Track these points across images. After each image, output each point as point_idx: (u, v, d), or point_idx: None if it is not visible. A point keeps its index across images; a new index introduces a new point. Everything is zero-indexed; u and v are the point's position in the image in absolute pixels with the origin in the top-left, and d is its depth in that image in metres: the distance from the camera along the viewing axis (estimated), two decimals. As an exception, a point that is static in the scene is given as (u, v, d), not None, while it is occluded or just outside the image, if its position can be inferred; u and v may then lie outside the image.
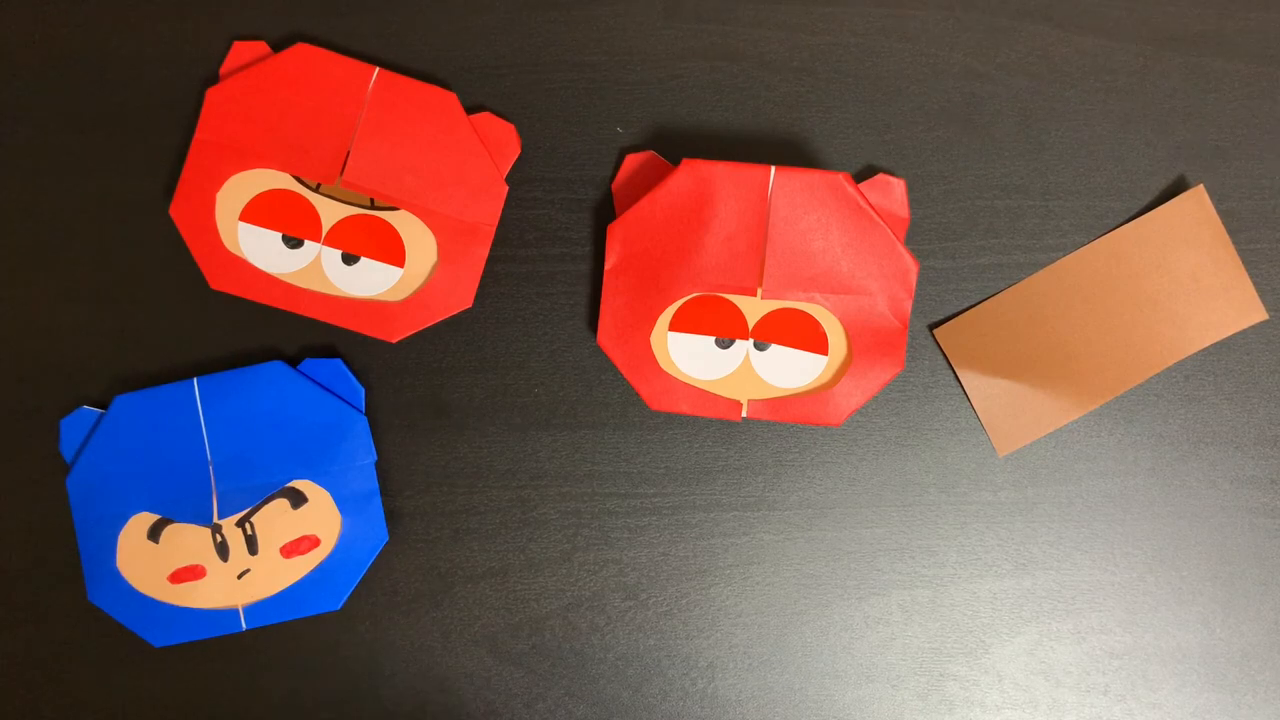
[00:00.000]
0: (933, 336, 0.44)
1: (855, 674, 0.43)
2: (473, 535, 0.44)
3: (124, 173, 0.44)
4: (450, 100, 0.43)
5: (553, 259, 0.44)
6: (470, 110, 0.43)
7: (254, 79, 0.42)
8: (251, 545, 0.42)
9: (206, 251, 0.43)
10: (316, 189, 0.43)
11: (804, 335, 0.42)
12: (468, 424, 0.44)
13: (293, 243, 0.43)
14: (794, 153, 0.44)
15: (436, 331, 0.44)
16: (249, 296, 0.43)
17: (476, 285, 0.43)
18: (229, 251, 0.43)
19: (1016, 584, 0.44)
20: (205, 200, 0.42)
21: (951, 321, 0.44)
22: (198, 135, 0.42)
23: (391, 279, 0.43)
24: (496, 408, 0.44)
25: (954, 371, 0.44)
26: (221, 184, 0.42)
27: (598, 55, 0.44)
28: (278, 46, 0.44)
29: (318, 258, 0.43)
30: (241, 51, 0.43)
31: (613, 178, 0.44)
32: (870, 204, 0.41)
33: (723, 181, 0.41)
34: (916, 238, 0.44)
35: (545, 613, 0.44)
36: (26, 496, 0.43)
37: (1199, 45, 0.44)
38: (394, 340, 0.43)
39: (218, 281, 0.43)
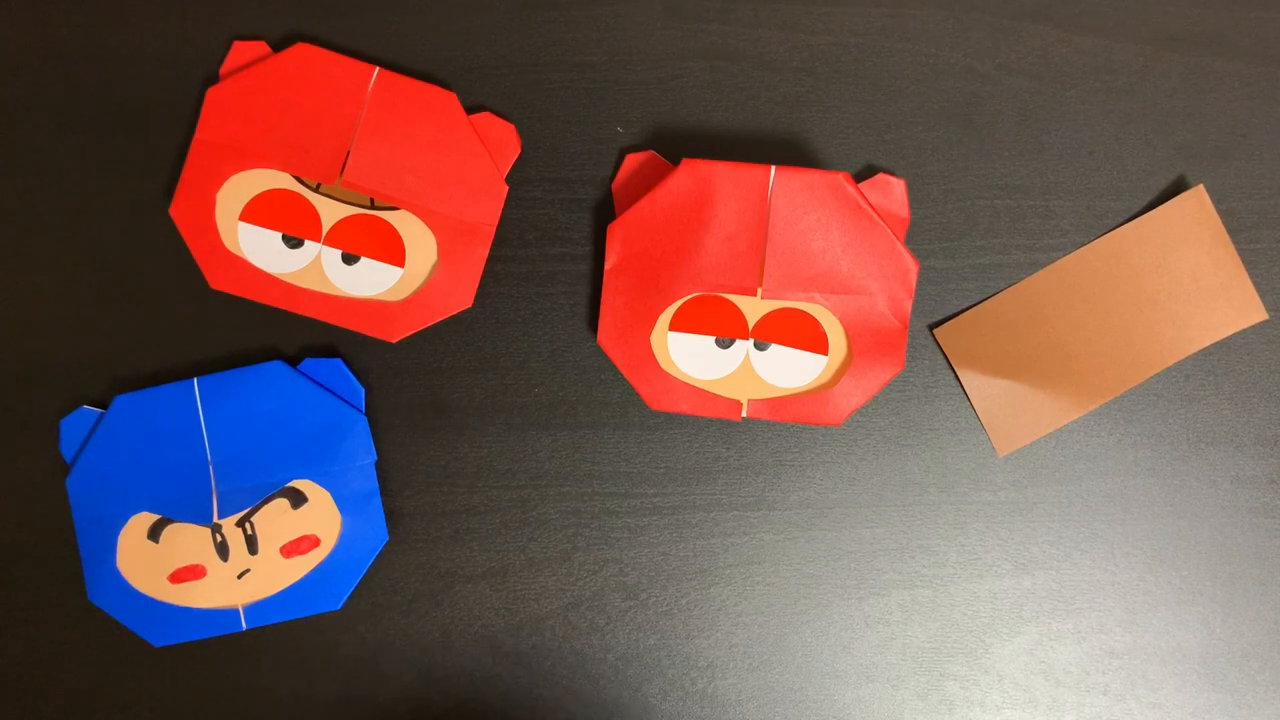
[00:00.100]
0: (933, 336, 0.44)
1: (855, 674, 0.43)
2: (473, 535, 0.44)
3: (124, 173, 0.44)
4: (450, 100, 0.43)
5: (553, 259, 0.44)
6: (470, 110, 0.43)
7: (254, 79, 0.42)
8: (251, 545, 0.42)
9: (206, 251, 0.43)
10: (316, 189, 0.43)
11: (804, 335, 0.42)
12: (468, 424, 0.44)
13: (293, 243, 0.43)
14: (794, 153, 0.44)
15: (436, 331, 0.44)
16: (249, 296, 0.43)
17: (476, 285, 0.43)
18: (229, 251, 0.43)
19: (1016, 584, 0.44)
20: (205, 200, 0.42)
21: (951, 321, 0.44)
22: (198, 135, 0.42)
23: (391, 279, 0.43)
24: (496, 408, 0.44)
25: (954, 371, 0.44)
26: (221, 184, 0.42)
27: (598, 55, 0.44)
28: (278, 46, 0.44)
29: (318, 258, 0.43)
30: (241, 51, 0.43)
31: (613, 178, 0.44)
32: (870, 204, 0.41)
33: (723, 181, 0.41)
34: (916, 238, 0.44)
35: (545, 613, 0.44)
36: (26, 496, 0.43)
37: (1199, 45, 0.44)
38: (394, 340, 0.43)
39: (218, 281, 0.43)
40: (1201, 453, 0.44)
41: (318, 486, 0.42)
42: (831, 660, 0.43)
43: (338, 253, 0.43)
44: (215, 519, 0.42)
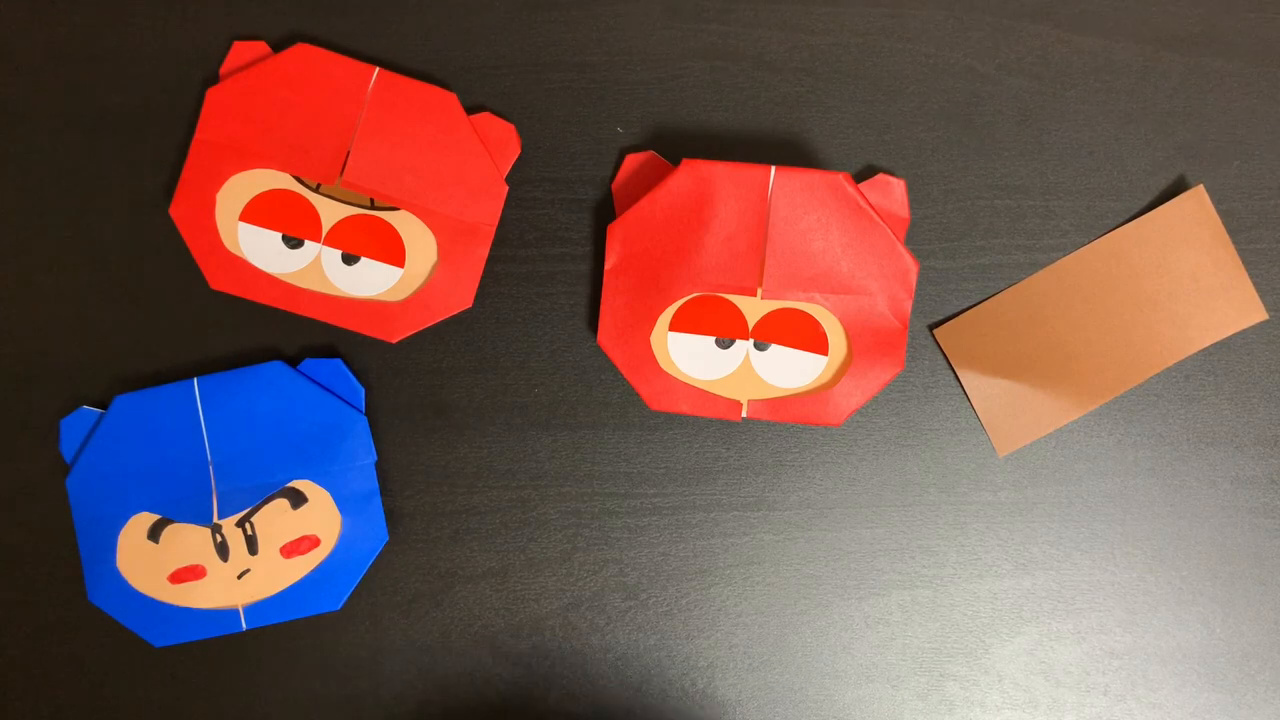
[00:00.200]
0: (933, 336, 0.44)
1: (855, 674, 0.43)
2: (473, 535, 0.44)
3: (124, 173, 0.44)
4: (450, 100, 0.43)
5: (553, 259, 0.44)
6: (470, 110, 0.43)
7: (254, 79, 0.42)
8: (251, 545, 0.42)
9: (206, 251, 0.43)
10: (316, 189, 0.43)
11: (804, 335, 0.42)
12: (468, 424, 0.44)
13: (293, 243, 0.43)
14: (794, 153, 0.44)
15: (436, 331, 0.44)
16: (249, 296, 0.43)
17: (476, 285, 0.43)
18: (229, 251, 0.43)
19: (1016, 584, 0.44)
20: (205, 200, 0.42)
21: (951, 321, 0.44)
22: (198, 135, 0.42)
23: (391, 279, 0.43)
24: (496, 408, 0.44)
25: (954, 371, 0.44)
26: (221, 184, 0.42)
27: (598, 55, 0.44)
28: (278, 46, 0.44)
29: (318, 258, 0.43)
30: (241, 51, 0.43)
31: (613, 178, 0.44)
32: (870, 204, 0.41)
33: (723, 181, 0.41)
34: (916, 238, 0.44)
35: (545, 613, 0.44)
36: (26, 496, 0.43)
37: (1199, 45, 0.44)
38: (394, 340, 0.43)
39: (218, 281, 0.43)
40: (1201, 453, 0.44)
41: (318, 486, 0.42)
42: (831, 660, 0.43)
43: (338, 253, 0.43)
44: (215, 519, 0.42)
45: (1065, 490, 0.44)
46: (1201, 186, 0.43)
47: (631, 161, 0.43)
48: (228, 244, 0.43)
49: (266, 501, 0.42)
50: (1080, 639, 0.43)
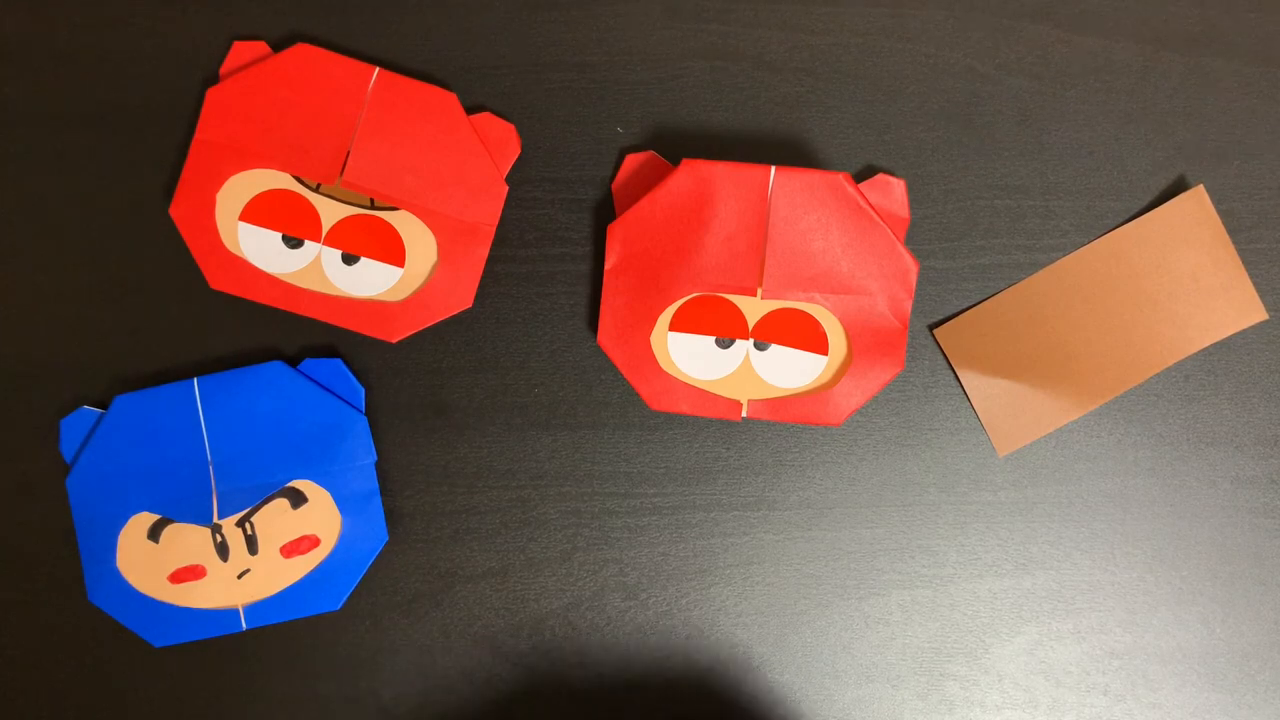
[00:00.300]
0: (933, 336, 0.44)
1: (855, 674, 0.43)
2: (473, 535, 0.44)
3: (124, 173, 0.44)
4: (450, 100, 0.43)
5: (553, 259, 0.44)
6: (470, 110, 0.43)
7: (254, 79, 0.42)
8: (251, 545, 0.42)
9: (206, 251, 0.43)
10: (316, 189, 0.43)
11: (804, 335, 0.42)
12: (468, 424, 0.44)
13: (293, 243, 0.43)
14: (794, 153, 0.44)
15: (436, 331, 0.44)
16: (249, 296, 0.43)
17: (476, 285, 0.43)
18: (229, 251, 0.43)
19: (1016, 584, 0.44)
20: (205, 200, 0.42)
21: (951, 321, 0.44)
22: (198, 135, 0.42)
23: (391, 279, 0.43)
24: (496, 408, 0.44)
25: (954, 371, 0.44)
26: (221, 184, 0.42)
27: (598, 55, 0.44)
28: (278, 46, 0.44)
29: (318, 258, 0.43)
30: (241, 51, 0.43)
31: (613, 178, 0.44)
32: (870, 204, 0.41)
33: (723, 181, 0.41)
34: (916, 238, 0.44)
35: (545, 613, 0.44)
36: (26, 496, 0.43)
37: (1199, 45, 0.44)
38: (394, 340, 0.43)
39: (218, 281, 0.43)
40: (1201, 453, 0.44)
41: (318, 486, 0.42)
42: (831, 660, 0.43)
43: (338, 253, 0.43)
44: (215, 519, 0.42)
45: (1065, 490, 0.44)
46: (1201, 186, 0.43)
47: (631, 161, 0.43)
48: (228, 244, 0.43)
49: (266, 501, 0.42)
50: (1080, 639, 0.43)
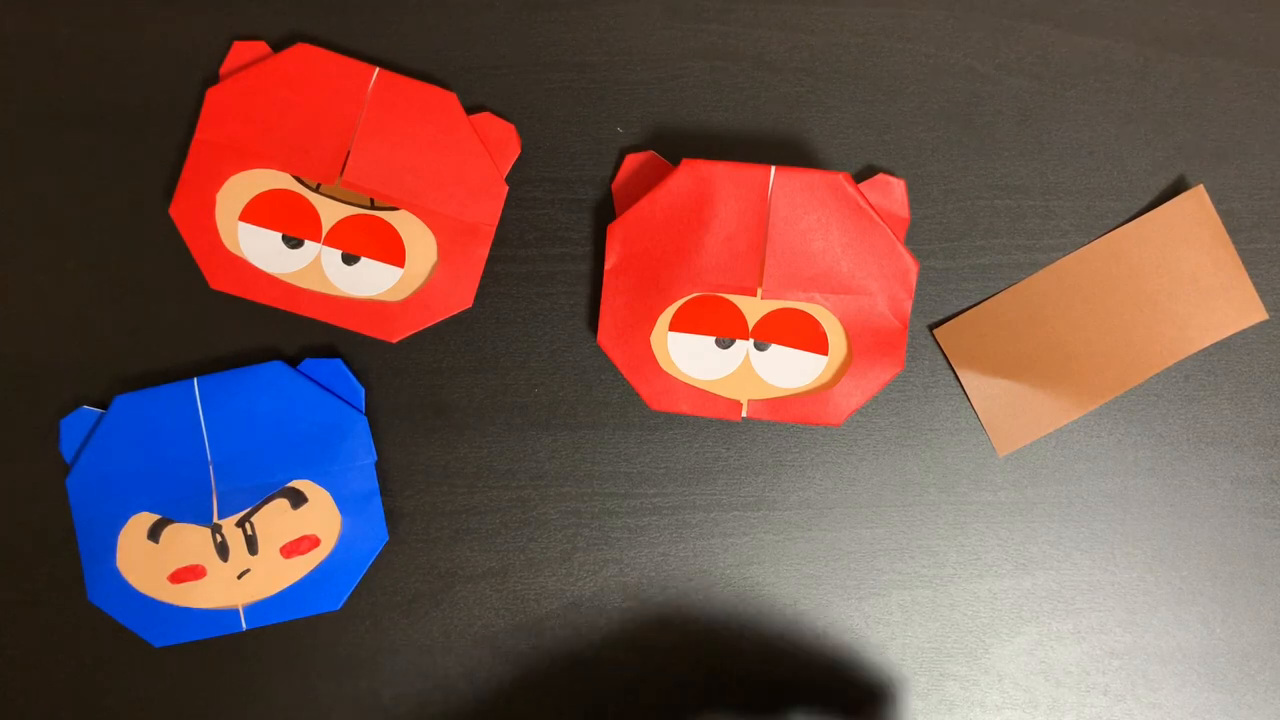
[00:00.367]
0: (933, 336, 0.44)
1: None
2: (473, 535, 0.44)
3: (124, 173, 0.44)
4: (450, 100, 0.43)
5: (553, 259, 0.44)
6: (470, 110, 0.43)
7: (254, 79, 0.42)
8: (251, 545, 0.42)
9: (206, 251, 0.43)
10: (316, 189, 0.43)
11: (804, 335, 0.42)
12: (468, 424, 0.44)
13: (293, 243, 0.43)
14: (794, 153, 0.44)
15: (436, 331, 0.44)
16: (249, 296, 0.43)
17: (476, 285, 0.43)
18: (229, 251, 0.43)
19: (1016, 584, 0.44)
20: (205, 200, 0.42)
21: (951, 321, 0.44)
22: (198, 135, 0.42)
23: (391, 279, 0.43)
24: (496, 408, 0.44)
25: (954, 371, 0.44)
26: (221, 184, 0.42)
27: (598, 55, 0.44)
28: (278, 46, 0.44)
29: (318, 258, 0.43)
30: (241, 51, 0.43)
31: (613, 178, 0.44)
32: (870, 204, 0.41)
33: (723, 181, 0.41)
34: (916, 238, 0.44)
35: (545, 613, 0.44)
36: (26, 496, 0.43)
37: (1199, 45, 0.44)
38: (394, 340, 0.43)
39: (218, 281, 0.43)
40: (1201, 453, 0.44)
41: (318, 486, 0.42)
42: (832, 660, 0.43)
43: (338, 253, 0.43)
44: (215, 519, 0.42)
45: (1065, 490, 0.44)
46: (1201, 186, 0.43)
47: (631, 161, 0.43)
48: (228, 244, 0.43)
49: (266, 501, 0.42)
50: (1080, 639, 0.43)
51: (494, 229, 0.43)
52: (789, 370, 0.42)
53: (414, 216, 0.43)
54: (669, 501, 0.44)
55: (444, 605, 0.44)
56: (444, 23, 0.44)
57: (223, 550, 0.42)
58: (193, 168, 0.42)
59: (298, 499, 0.42)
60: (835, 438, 0.44)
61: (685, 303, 0.42)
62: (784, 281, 0.41)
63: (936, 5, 0.44)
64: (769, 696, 0.43)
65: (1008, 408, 0.43)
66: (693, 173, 0.41)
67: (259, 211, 0.43)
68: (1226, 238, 0.42)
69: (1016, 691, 0.43)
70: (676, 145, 0.44)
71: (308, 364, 0.43)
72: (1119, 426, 0.44)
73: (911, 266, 0.42)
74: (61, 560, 0.43)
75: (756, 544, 0.44)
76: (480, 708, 0.43)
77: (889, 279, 0.42)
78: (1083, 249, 0.43)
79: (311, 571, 0.42)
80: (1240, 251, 0.43)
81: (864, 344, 0.42)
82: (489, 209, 0.43)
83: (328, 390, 0.43)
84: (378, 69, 0.43)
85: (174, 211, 0.43)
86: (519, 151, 0.44)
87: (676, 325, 0.42)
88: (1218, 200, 0.43)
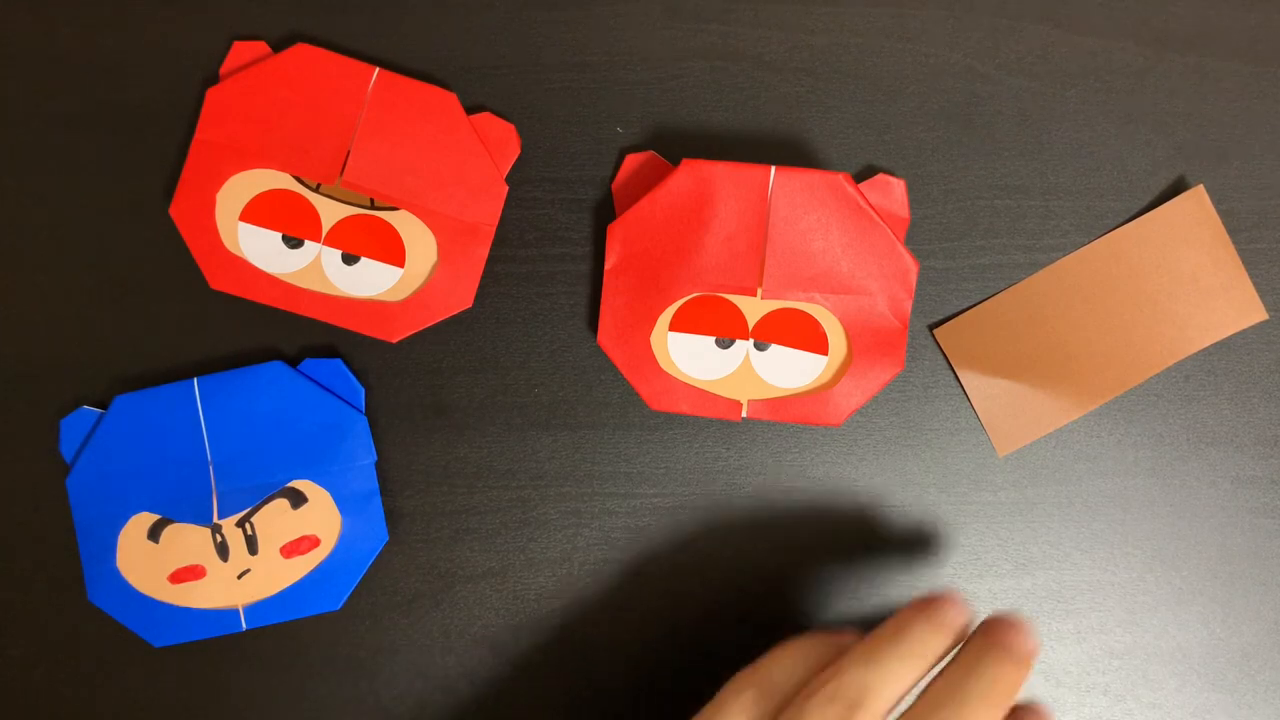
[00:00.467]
0: (933, 336, 0.44)
1: (855, 674, 0.43)
2: (473, 535, 0.44)
3: (124, 173, 0.44)
4: (450, 100, 0.43)
5: (553, 259, 0.44)
6: (470, 110, 0.43)
7: (254, 79, 0.42)
8: (251, 545, 0.42)
9: (206, 251, 0.43)
10: (316, 189, 0.43)
11: (804, 335, 0.42)
12: (468, 424, 0.44)
13: (293, 243, 0.43)
14: (794, 153, 0.44)
15: (436, 331, 0.44)
16: (249, 296, 0.43)
17: (476, 285, 0.43)
18: (229, 251, 0.43)
19: (1016, 584, 0.44)
20: (205, 200, 0.42)
21: (951, 321, 0.44)
22: (198, 135, 0.42)
23: (391, 279, 0.43)
24: (496, 408, 0.44)
25: (954, 371, 0.44)
26: (221, 184, 0.43)
27: (598, 55, 0.44)
28: (278, 46, 0.44)
29: (318, 258, 0.43)
30: (241, 51, 0.43)
31: (613, 178, 0.44)
32: (870, 204, 0.41)
33: (723, 181, 0.41)
34: (916, 238, 0.44)
35: (545, 613, 0.44)
36: (26, 496, 0.43)
37: (1199, 45, 0.44)
38: (394, 340, 0.43)
39: (218, 281, 0.43)
40: (1201, 453, 0.44)
41: (318, 487, 0.42)
42: (831, 660, 0.43)
43: (338, 253, 0.43)
44: (215, 519, 0.42)
45: (1065, 490, 0.44)
46: (1201, 186, 0.43)
47: (631, 161, 0.43)
48: (228, 244, 0.43)
49: (266, 501, 0.42)
50: (1080, 639, 0.43)
51: (494, 229, 0.43)
52: (789, 370, 0.42)
53: (414, 216, 0.43)
54: (669, 501, 0.44)
55: (444, 605, 0.44)
56: (444, 23, 0.44)
57: (223, 550, 0.42)
58: (193, 168, 0.42)
59: (298, 499, 0.42)
60: (835, 438, 0.44)
61: (685, 303, 0.42)
62: (784, 281, 0.41)
63: (936, 5, 0.44)
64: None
65: (1008, 408, 0.43)
66: (693, 173, 0.41)
67: (259, 211, 0.43)
68: (1226, 238, 0.42)
69: (1016, 691, 0.43)
70: (676, 145, 0.44)
71: (308, 364, 0.43)
72: (1119, 426, 0.44)
73: (911, 266, 0.42)
74: (61, 560, 0.43)
75: (757, 544, 0.44)
76: (480, 708, 0.43)
77: (889, 279, 0.42)
78: (1083, 249, 0.43)
79: (311, 571, 0.42)
80: (1240, 251, 0.43)
81: (864, 344, 0.42)
82: (489, 209, 0.43)
83: (328, 390, 0.43)
84: (378, 69, 0.43)
85: (174, 211, 0.43)
86: (519, 151, 0.44)
87: (676, 325, 0.42)
88: (1218, 200, 0.43)
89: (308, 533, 0.42)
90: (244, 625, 0.42)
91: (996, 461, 0.44)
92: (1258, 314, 0.43)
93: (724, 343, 0.42)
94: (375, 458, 0.43)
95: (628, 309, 0.42)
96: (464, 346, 0.44)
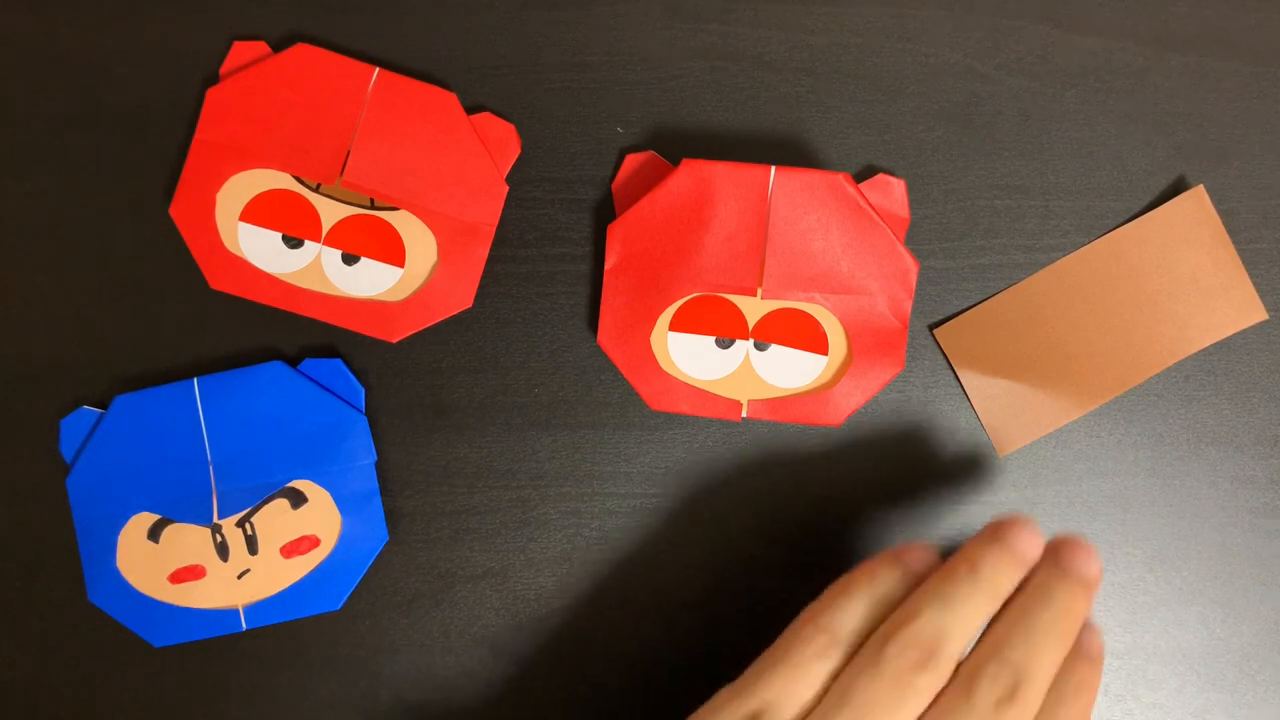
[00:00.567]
0: (933, 336, 0.44)
1: (855, 674, 0.43)
2: (473, 535, 0.44)
3: (124, 173, 0.44)
4: (450, 100, 0.43)
5: (553, 259, 0.44)
6: (470, 110, 0.43)
7: (254, 79, 0.42)
8: (251, 545, 0.42)
9: (206, 251, 0.43)
10: (316, 189, 0.43)
11: (804, 335, 0.42)
12: (468, 424, 0.44)
13: (293, 243, 0.43)
14: (794, 153, 0.44)
15: (436, 331, 0.44)
16: (249, 296, 0.43)
17: (476, 285, 0.43)
18: (229, 251, 0.43)
19: (1016, 584, 0.44)
20: (205, 200, 0.42)
21: (951, 321, 0.44)
22: (198, 135, 0.42)
23: (391, 279, 0.43)
24: (496, 408, 0.44)
25: (954, 371, 0.44)
26: (221, 184, 0.43)
27: (598, 55, 0.44)
28: (278, 46, 0.44)
29: (318, 258, 0.43)
30: (241, 51, 0.43)
31: (613, 178, 0.44)
32: (870, 204, 0.41)
33: (723, 181, 0.41)
34: (916, 238, 0.44)
35: (545, 613, 0.44)
36: (26, 496, 0.43)
37: (1199, 45, 0.44)
38: (394, 340, 0.43)
39: (218, 281, 0.43)
40: (1201, 453, 0.44)
41: (318, 487, 0.42)
42: (831, 660, 0.43)
43: (338, 253, 0.43)
44: (215, 519, 0.42)
45: (1065, 490, 0.44)
46: (1201, 186, 0.43)
47: (631, 161, 0.43)
48: (228, 244, 0.43)
49: (266, 501, 0.42)
50: (1080, 639, 0.43)
51: (494, 229, 0.43)
52: (789, 370, 0.42)
53: (414, 216, 0.43)
54: (669, 502, 0.44)
55: (444, 605, 0.44)
56: (444, 23, 0.44)
57: (223, 550, 0.42)
58: (193, 168, 0.42)
59: (298, 499, 0.42)
60: (835, 438, 0.44)
61: (685, 303, 0.42)
62: (784, 281, 0.41)
63: (936, 5, 0.44)
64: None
65: (1008, 408, 0.43)
66: (693, 173, 0.41)
67: (259, 211, 0.43)
68: (1226, 238, 0.42)
69: (1016, 691, 0.43)
70: (676, 145, 0.44)
71: (308, 364, 0.43)
72: (1119, 426, 0.44)
73: (911, 266, 0.42)
74: (61, 560, 0.43)
75: (756, 544, 0.44)
76: (480, 708, 0.43)
77: (889, 279, 0.42)
78: (1083, 249, 0.43)
79: (311, 571, 0.42)
80: (1240, 251, 0.43)
81: (864, 344, 0.42)
82: (489, 209, 0.43)
83: (328, 390, 0.43)
84: (378, 69, 0.43)
85: (174, 211, 0.43)
86: (519, 151, 0.44)
87: (676, 325, 0.42)
88: (1218, 200, 0.43)
89: (308, 533, 0.42)
90: (244, 625, 0.42)
91: (996, 461, 0.44)
92: (1258, 314, 0.43)
93: (724, 343, 0.42)
94: (375, 458, 0.43)
95: (628, 309, 0.42)
96: (464, 346, 0.44)
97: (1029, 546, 0.34)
